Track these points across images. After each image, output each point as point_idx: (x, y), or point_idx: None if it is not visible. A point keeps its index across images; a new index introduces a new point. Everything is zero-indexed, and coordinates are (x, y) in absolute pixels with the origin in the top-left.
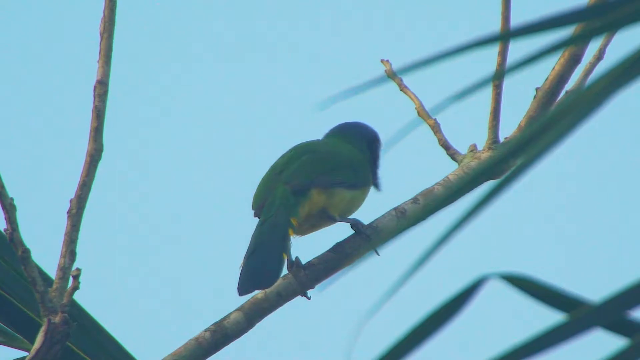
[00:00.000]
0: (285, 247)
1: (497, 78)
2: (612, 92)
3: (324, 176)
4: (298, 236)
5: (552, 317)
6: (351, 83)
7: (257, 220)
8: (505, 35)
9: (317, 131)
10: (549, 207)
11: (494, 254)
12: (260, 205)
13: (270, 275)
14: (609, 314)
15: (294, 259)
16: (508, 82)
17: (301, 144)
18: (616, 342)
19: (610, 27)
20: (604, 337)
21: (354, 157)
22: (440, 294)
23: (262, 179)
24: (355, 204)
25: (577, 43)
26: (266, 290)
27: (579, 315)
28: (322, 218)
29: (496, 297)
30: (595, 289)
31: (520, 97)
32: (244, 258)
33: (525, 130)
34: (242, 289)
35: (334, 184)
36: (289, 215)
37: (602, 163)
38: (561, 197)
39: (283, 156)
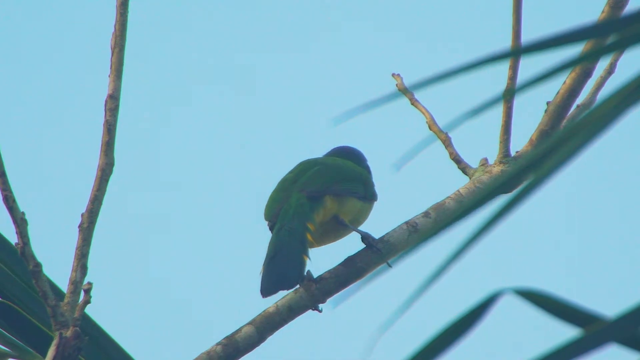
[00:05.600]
0: (305, 250)
1: (508, 96)
2: (625, 108)
3: (337, 184)
4: (314, 244)
5: (566, 333)
6: (363, 97)
7: (270, 233)
8: (516, 52)
9: (328, 145)
10: (564, 221)
11: (507, 268)
12: (275, 213)
13: (293, 276)
14: (624, 329)
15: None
16: (519, 96)
17: (309, 159)
18: (632, 358)
19: (621, 45)
20: (620, 353)
21: (362, 172)
22: (453, 309)
23: (273, 191)
24: (363, 215)
25: (588, 61)
26: (277, 303)
27: (594, 331)
28: (334, 225)
29: (510, 312)
30: (610, 303)
31: (531, 110)
32: (264, 263)
33: (538, 145)
34: (266, 291)
35: (346, 193)
36: (305, 220)
37: (618, 177)
38: (576, 210)
39: (292, 171)
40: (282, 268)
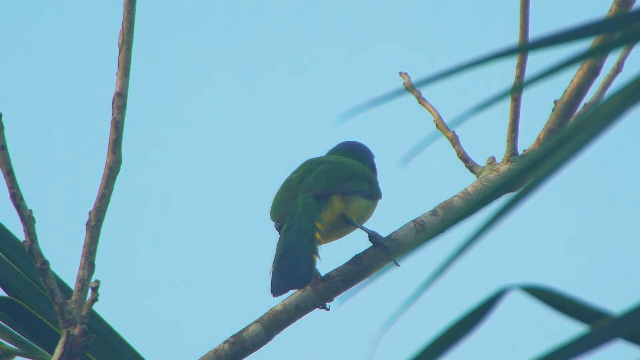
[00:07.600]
0: (315, 249)
1: (516, 91)
2: (630, 105)
3: (343, 183)
4: (321, 242)
5: (573, 329)
6: (370, 96)
7: (277, 233)
8: (524, 48)
9: (334, 144)
10: (570, 217)
11: (514, 265)
12: (282, 214)
13: (303, 275)
14: (630, 325)
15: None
16: (526, 95)
17: (313, 158)
18: (638, 354)
19: (629, 40)
20: (626, 349)
21: (366, 171)
22: (460, 306)
23: (279, 192)
24: (369, 213)
25: (595, 56)
26: (285, 301)
27: (600, 327)
28: (341, 223)
29: (517, 308)
30: (617, 299)
31: (539, 109)
32: (274, 262)
33: (544, 143)
34: (276, 290)
35: (353, 191)
36: (314, 219)
37: (625, 173)
38: (583, 206)
39: (296, 171)
40: (292, 267)
